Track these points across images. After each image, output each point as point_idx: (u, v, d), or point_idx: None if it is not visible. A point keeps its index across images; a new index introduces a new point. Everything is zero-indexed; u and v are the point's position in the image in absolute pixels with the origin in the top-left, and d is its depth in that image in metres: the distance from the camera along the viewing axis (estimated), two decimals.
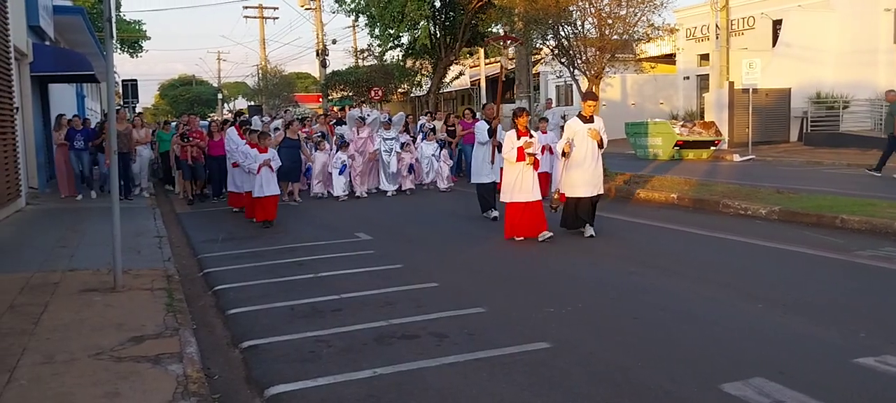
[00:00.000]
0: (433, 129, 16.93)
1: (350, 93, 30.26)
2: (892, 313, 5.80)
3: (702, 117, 26.63)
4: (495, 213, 10.86)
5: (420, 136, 16.62)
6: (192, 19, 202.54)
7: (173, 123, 20.91)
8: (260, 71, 47.66)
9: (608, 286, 7.03)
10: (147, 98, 76.63)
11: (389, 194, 14.99)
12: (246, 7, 45.48)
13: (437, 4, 22.95)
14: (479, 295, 6.60)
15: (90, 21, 20.31)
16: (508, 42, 11.34)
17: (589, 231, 9.37)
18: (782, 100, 24.57)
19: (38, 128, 16.16)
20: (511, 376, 4.63)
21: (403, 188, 15.35)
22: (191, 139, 14.48)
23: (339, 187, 14.75)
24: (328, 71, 34.16)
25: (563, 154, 9.37)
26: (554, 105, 25.73)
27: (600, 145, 9.39)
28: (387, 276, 7.55)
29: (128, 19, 37.72)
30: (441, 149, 16.22)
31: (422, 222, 11.61)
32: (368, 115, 16.45)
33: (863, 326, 5.40)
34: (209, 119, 26.85)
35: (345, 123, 17.00)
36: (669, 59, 34.23)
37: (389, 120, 16.22)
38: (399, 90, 29.05)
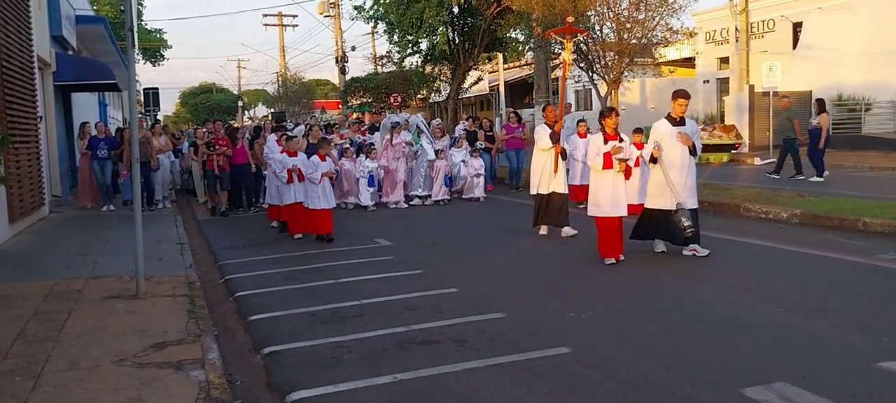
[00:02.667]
0: (472, 135, 15.98)
1: (369, 100, 30.40)
2: None
3: (722, 120, 26.43)
4: (573, 231, 9.86)
5: (449, 143, 15.67)
6: (213, 28, 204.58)
7: (188, 131, 20.94)
8: (280, 78, 48.04)
9: (628, 290, 7.00)
10: (168, 106, 77.47)
11: (426, 201, 14.37)
12: (265, 15, 45.98)
13: (456, 10, 22.99)
14: (498, 301, 6.60)
15: (112, 30, 20.56)
16: (572, 35, 10.22)
17: (660, 246, 8.50)
18: (803, 103, 24.29)
19: (61, 137, 16.38)
20: (531, 381, 4.63)
21: (437, 198, 14.47)
22: (216, 147, 13.82)
23: (366, 197, 14.02)
24: (347, 77, 34.35)
25: (652, 159, 8.22)
26: (573, 110, 25.68)
27: (693, 151, 8.23)
28: (407, 282, 7.57)
29: (149, 28, 38.17)
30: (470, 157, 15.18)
31: (443, 228, 11.61)
32: (402, 119, 15.42)
33: (885, 330, 5.34)
34: (246, 123, 26.91)
35: (378, 129, 15.96)
36: (689, 62, 34.02)
37: (426, 123, 15.48)
38: (418, 96, 29.12)
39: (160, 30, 37.65)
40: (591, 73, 15.89)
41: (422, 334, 5.70)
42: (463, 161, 14.91)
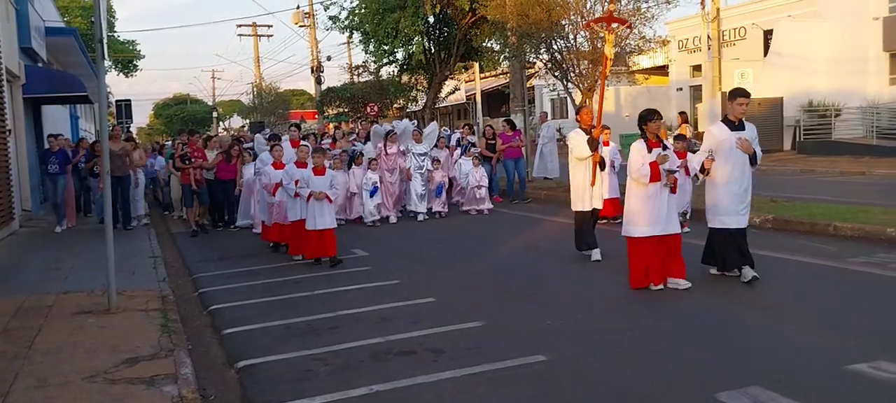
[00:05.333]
0: (473, 144, 15.23)
1: (346, 109, 30.34)
2: (885, 319, 5.81)
3: (696, 127, 26.73)
4: (598, 255, 8.67)
5: (458, 152, 14.98)
6: (187, 38, 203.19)
7: (166, 144, 20.37)
8: (255, 88, 47.79)
9: (604, 298, 7.04)
10: (141, 118, 76.78)
11: (420, 218, 13.32)
12: (240, 25, 45.72)
13: (431, 20, 23.03)
14: (476, 310, 6.59)
15: (83, 42, 20.33)
16: (617, 25, 9.25)
17: (750, 273, 7.09)
18: (775, 109, 24.69)
19: (32, 151, 16.12)
20: (508, 389, 4.63)
21: (434, 209, 13.61)
22: (192, 161, 12.94)
23: (369, 212, 12.93)
24: (323, 87, 34.26)
25: (703, 170, 7.20)
26: (549, 119, 25.79)
27: (753, 160, 7.17)
28: (384, 292, 7.54)
29: (122, 39, 37.80)
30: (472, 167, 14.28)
31: (421, 238, 11.58)
32: (398, 126, 14.28)
33: (856, 333, 5.41)
34: (223, 134, 26.45)
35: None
36: (662, 70, 34.41)
37: (419, 129, 14.40)
38: (395, 105, 29.11)
39: (133, 41, 37.37)
40: (565, 82, 15.97)
41: (398, 345, 5.67)
42: (469, 173, 14.08)
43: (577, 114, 8.97)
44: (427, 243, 10.96)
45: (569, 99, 17.34)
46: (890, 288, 6.85)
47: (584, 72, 15.31)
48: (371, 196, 12.89)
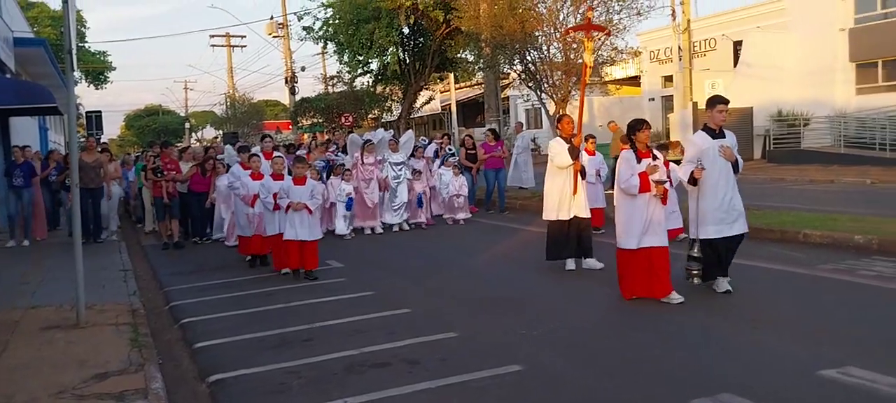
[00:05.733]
0: (453, 154, 15.02)
1: (320, 120, 30.24)
2: (853, 325, 5.89)
3: (668, 137, 27.02)
4: (572, 265, 8.64)
5: (437, 163, 14.79)
6: (159, 49, 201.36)
7: (134, 155, 19.90)
8: (228, 99, 47.45)
9: (580, 306, 7.06)
10: (113, 129, 75.81)
11: (396, 229, 13.15)
12: (213, 35, 45.35)
13: (406, 31, 23.09)
14: (451, 320, 6.58)
15: (53, 53, 20.04)
16: (592, 34, 9.13)
17: (723, 284, 7.09)
18: (745, 119, 25.02)
19: None
20: (482, 400, 4.62)
21: (413, 221, 13.40)
22: (165, 173, 12.57)
23: (342, 225, 12.64)
24: (297, 98, 34.13)
25: (692, 180, 6.98)
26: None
27: (735, 168, 7.07)
28: (358, 304, 7.50)
29: (93, 50, 37.35)
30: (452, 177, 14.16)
31: (396, 249, 11.55)
32: (374, 136, 14.07)
33: (826, 339, 5.49)
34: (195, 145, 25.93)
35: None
36: (634, 81, 34.76)
37: (395, 138, 14.17)
38: (370, 116, 29.08)
39: (104, 52, 36.85)
40: (539, 92, 16.08)
41: (373, 356, 5.64)
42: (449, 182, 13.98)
43: (557, 123, 8.83)
44: (402, 253, 10.93)
45: (543, 109, 17.46)
46: (858, 295, 6.96)
47: (557, 82, 15.44)
48: (347, 208, 12.64)
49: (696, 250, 7.14)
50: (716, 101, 7.10)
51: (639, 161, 6.89)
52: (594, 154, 10.99)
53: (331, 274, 9.33)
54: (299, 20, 25.77)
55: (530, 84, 16.19)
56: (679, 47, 26.63)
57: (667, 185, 6.96)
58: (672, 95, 29.82)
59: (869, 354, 5.05)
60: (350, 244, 12.05)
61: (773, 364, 5.02)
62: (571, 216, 8.49)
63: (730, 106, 7.33)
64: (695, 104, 24.58)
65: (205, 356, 6.01)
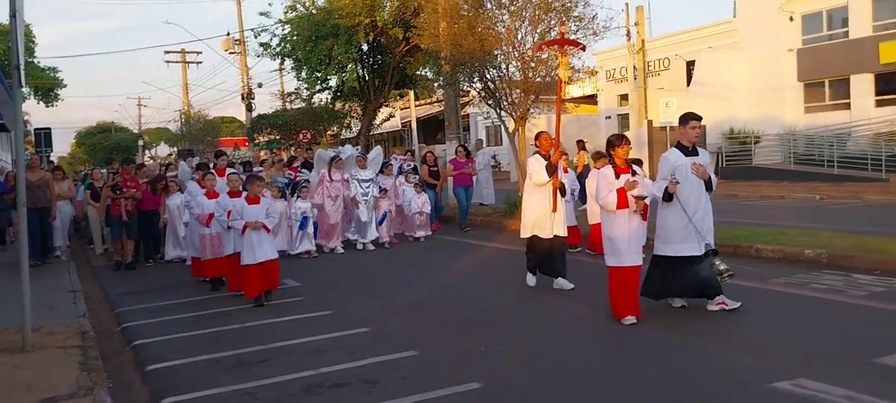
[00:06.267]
0: (415, 170, 15.01)
1: (277, 137, 29.94)
2: (805, 337, 6.02)
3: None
4: (569, 285, 8.36)
5: (400, 180, 14.46)
6: (112, 65, 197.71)
7: (84, 172, 19.17)
8: (183, 116, 46.76)
9: (539, 322, 7.08)
10: (63, 146, 73.98)
11: (359, 247, 12.89)
12: (168, 52, 44.62)
13: (365, 48, 23.05)
14: (411, 339, 6.54)
15: (0, 69, 19.51)
16: (567, 48, 8.89)
17: (679, 301, 7.12)
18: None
19: None
20: None
21: (381, 240, 13.12)
22: (124, 191, 12.13)
23: (300, 243, 12.32)
24: (254, 114, 33.78)
25: (667, 196, 6.83)
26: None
27: (708, 186, 7.01)
28: (317, 323, 7.40)
29: (42, 66, 36.43)
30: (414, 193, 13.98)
31: (356, 267, 11.46)
32: (342, 152, 13.73)
33: (779, 351, 5.60)
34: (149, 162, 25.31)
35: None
36: (591, 99, 35.25)
37: (363, 155, 13.86)
38: (328, 132, 28.90)
39: (54, 68, 35.89)
40: (498, 110, 16.18)
41: (332, 377, 5.56)
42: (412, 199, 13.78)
43: (535, 139, 8.64)
44: (362, 271, 10.85)
45: (502, 126, 17.57)
46: (809, 307, 7.12)
47: (516, 100, 15.54)
48: (301, 227, 12.27)
49: (717, 259, 6.72)
50: (689, 118, 6.98)
51: (617, 176, 6.79)
52: (567, 171, 10.75)
53: (288, 293, 9.20)
54: (256, 37, 25.46)
55: (490, 102, 16.27)
56: (634, 67, 27.18)
57: (647, 201, 6.80)
58: (628, 113, 30.36)
59: (820, 366, 5.17)
60: (307, 262, 11.90)
61: (728, 378, 5.10)
62: (553, 234, 8.33)
63: None
64: (650, 122, 25.06)
65: (158, 378, 5.86)
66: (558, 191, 8.32)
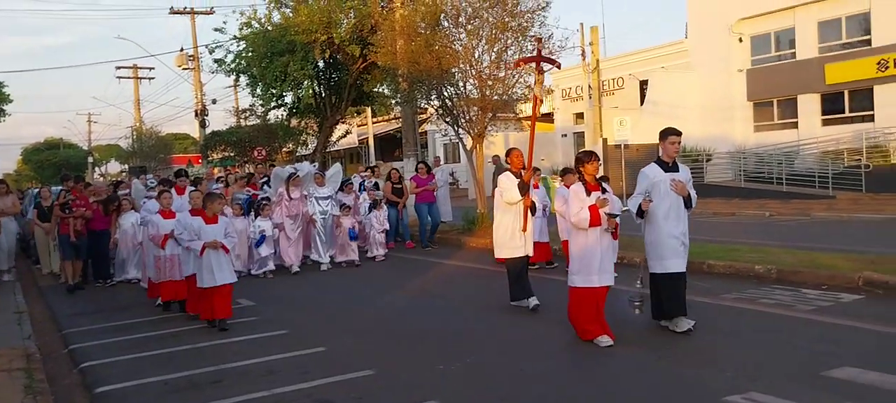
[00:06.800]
0: (375, 185, 14.76)
1: (232, 154, 29.57)
2: (755, 352, 6.12)
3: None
4: (536, 301, 8.21)
5: (363, 196, 14.31)
6: (62, 81, 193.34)
7: (32, 190, 18.37)
8: (134, 132, 45.89)
9: (495, 340, 7.07)
10: (9, 163, 72.04)
11: (324, 267, 12.55)
12: (119, 67, 43.82)
13: (321, 65, 22.93)
14: (368, 358, 6.48)
15: None
16: (543, 66, 8.69)
17: (685, 324, 6.80)
18: (651, 155, 25.46)
19: None
20: None
21: (343, 259, 12.79)
22: (73, 209, 11.69)
23: (257, 263, 11.98)
24: (208, 131, 33.32)
25: (640, 213, 6.78)
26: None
27: (688, 203, 6.87)
28: (270, 343, 7.28)
29: None
30: (371, 211, 13.74)
31: (311, 286, 11.31)
32: (299, 169, 13.40)
33: (729, 365, 5.69)
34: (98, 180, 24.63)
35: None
36: (547, 117, 35.62)
37: (321, 172, 13.53)
38: (284, 149, 28.64)
39: (1, 83, 34.96)
40: (456, 128, 16.23)
41: (286, 398, 5.47)
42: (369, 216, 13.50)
43: (506, 156, 8.49)
44: (317, 290, 10.73)
45: (460, 144, 17.63)
46: (759, 322, 7.25)
47: (473, 118, 15.62)
48: (257, 246, 11.89)
49: (639, 282, 6.91)
50: (668, 133, 6.85)
51: (588, 193, 6.63)
52: (538, 187, 10.74)
53: (242, 313, 9.01)
54: (211, 53, 25.09)
55: (447, 119, 16.32)
56: (589, 86, 27.57)
57: (618, 220, 6.69)
58: (583, 131, 30.76)
59: (770, 380, 5.26)
60: (262, 281, 11.71)
61: (680, 392, 5.16)
62: (524, 252, 8.18)
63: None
64: (605, 140, 25.41)
65: (106, 401, 5.69)
66: (528, 210, 8.13)
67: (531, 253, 8.34)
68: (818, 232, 14.57)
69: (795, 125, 25.07)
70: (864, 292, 8.22)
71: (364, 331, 7.70)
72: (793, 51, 25.31)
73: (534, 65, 8.75)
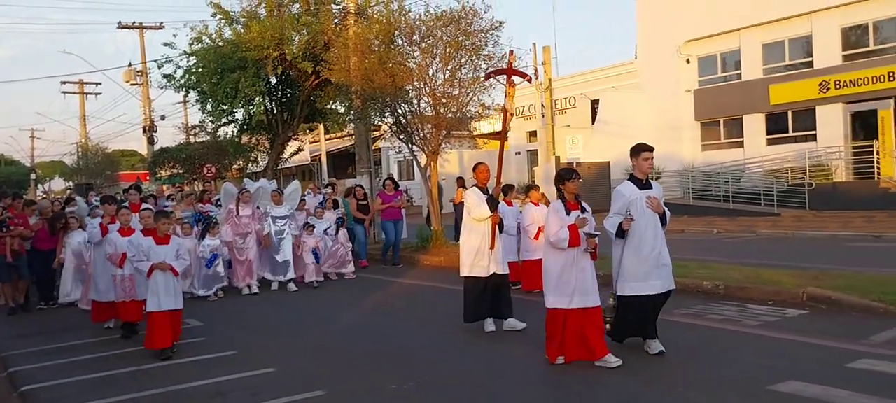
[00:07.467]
0: (336, 204, 14.11)
1: (181, 171, 29.02)
2: (703, 367, 6.22)
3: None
4: (492, 327, 7.98)
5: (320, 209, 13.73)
6: (4, 95, 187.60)
7: None
8: (80, 149, 44.75)
9: (450, 356, 7.05)
10: None
11: (275, 287, 12.14)
12: (64, 82, 42.74)
13: (274, 81, 22.69)
14: (319, 378, 6.38)
15: None
16: (515, 78, 8.34)
17: (655, 346, 6.64)
18: (603, 173, 26.39)
19: None
20: None
21: (307, 279, 12.34)
22: (10, 228, 11.13)
23: (203, 283, 11.47)
24: (156, 147, 32.68)
25: (621, 232, 6.54)
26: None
27: (663, 221, 6.74)
28: (219, 364, 7.12)
29: None
30: (339, 228, 13.35)
31: (263, 305, 11.11)
32: (251, 185, 12.88)
33: (679, 381, 5.76)
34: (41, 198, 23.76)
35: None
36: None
37: (279, 190, 13.02)
38: (234, 166, 28.23)
39: None
40: (410, 145, 16.22)
41: None
42: (326, 232, 12.97)
43: (473, 170, 8.20)
44: (267, 310, 10.54)
45: (414, 161, 17.61)
46: (707, 337, 7.38)
47: (428, 135, 15.63)
48: (208, 265, 11.44)
49: (611, 299, 6.73)
50: (641, 149, 6.69)
51: (568, 212, 6.45)
52: (511, 204, 10.64)
53: (189, 333, 8.79)
54: (160, 68, 24.61)
55: (401, 136, 16.30)
56: (542, 104, 27.89)
57: (596, 239, 6.48)
58: (537, 149, 31.08)
59: (718, 394, 5.35)
60: (211, 302, 11.39)
61: None
62: (490, 272, 7.79)
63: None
64: (557, 158, 25.71)
65: None
66: (497, 227, 7.84)
67: (502, 271, 7.93)
68: (764, 248, 14.95)
69: (741, 144, 25.73)
70: (809, 307, 8.44)
71: (316, 351, 7.59)
72: (738, 72, 26.03)
73: (505, 78, 8.52)
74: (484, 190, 7.91)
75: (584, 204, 6.60)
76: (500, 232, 7.99)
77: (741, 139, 25.84)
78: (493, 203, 7.75)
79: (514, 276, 9.49)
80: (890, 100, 21.73)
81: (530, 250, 10.25)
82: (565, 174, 6.61)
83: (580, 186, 6.66)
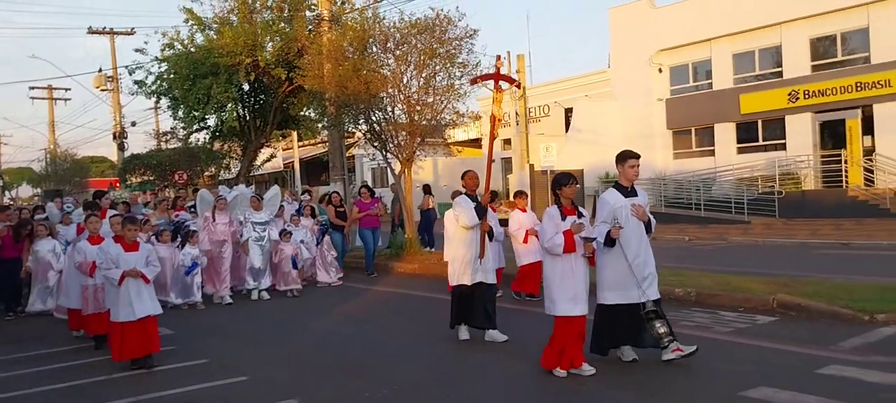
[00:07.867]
0: (313, 212, 13.84)
1: (152, 178, 28.64)
2: (675, 373, 6.25)
3: (508, 197, 28.09)
4: (466, 335, 7.87)
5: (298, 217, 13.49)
6: None
7: None
8: (48, 155, 44.01)
9: (426, 364, 7.02)
10: None
11: (255, 297, 11.82)
12: (33, 87, 42.01)
13: (246, 87, 22.52)
14: (292, 387, 6.31)
15: None
16: (503, 84, 8.23)
17: (629, 353, 6.63)
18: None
19: None
20: None
21: (284, 287, 12.13)
22: None
23: (180, 292, 11.19)
24: (127, 154, 32.23)
25: (610, 241, 6.38)
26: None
27: (648, 228, 6.63)
28: (189, 373, 7.01)
29: None
30: (324, 234, 13.34)
31: (237, 312, 10.97)
32: (230, 193, 12.66)
33: (651, 388, 5.79)
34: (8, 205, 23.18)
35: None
36: (476, 143, 36.01)
37: (259, 196, 12.79)
38: (206, 173, 27.92)
39: None
40: (384, 152, 16.17)
41: None
42: (302, 241, 12.66)
43: (462, 178, 8.09)
44: (239, 318, 10.41)
45: (389, 169, 17.56)
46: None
47: (402, 142, 15.60)
48: (187, 274, 11.10)
49: (658, 324, 6.46)
50: (627, 156, 6.60)
51: (563, 218, 6.34)
52: (496, 210, 10.19)
53: (160, 341, 8.64)
54: (131, 74, 24.32)
55: (375, 143, 16.24)
56: (516, 112, 28.02)
57: (594, 244, 6.38)
58: (511, 157, 31.20)
59: (690, 400, 5.37)
60: (182, 310, 11.20)
61: None
62: (476, 281, 7.64)
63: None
64: (531, 166, 25.82)
65: None
66: (486, 236, 7.67)
67: (490, 281, 7.80)
68: (735, 256, 15.13)
69: (713, 153, 26.06)
70: (779, 314, 8.54)
71: (288, 359, 7.51)
72: (710, 81, 26.37)
73: (492, 83, 8.34)
74: (472, 197, 7.79)
75: (580, 209, 6.53)
76: (490, 239, 7.86)
77: (712, 148, 26.17)
78: (481, 210, 7.62)
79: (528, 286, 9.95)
80: (857, 109, 22.16)
81: (522, 255, 10.36)
82: (562, 179, 6.50)
83: (576, 190, 6.55)
